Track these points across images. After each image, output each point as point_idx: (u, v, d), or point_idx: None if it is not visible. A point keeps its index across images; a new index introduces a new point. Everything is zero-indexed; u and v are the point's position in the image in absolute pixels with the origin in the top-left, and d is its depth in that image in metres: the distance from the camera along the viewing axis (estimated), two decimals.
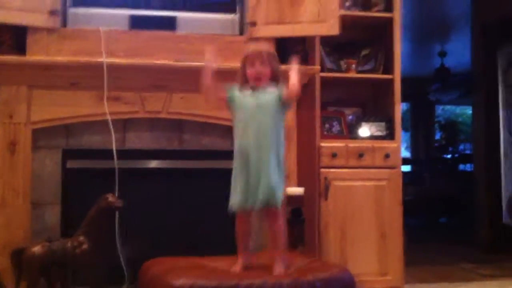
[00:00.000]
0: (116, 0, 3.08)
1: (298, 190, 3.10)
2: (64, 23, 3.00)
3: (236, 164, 2.41)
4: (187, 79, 3.01)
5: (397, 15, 3.45)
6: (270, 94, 2.43)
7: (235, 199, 2.37)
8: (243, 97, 2.44)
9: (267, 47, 2.54)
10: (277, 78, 2.48)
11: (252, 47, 2.53)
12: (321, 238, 3.20)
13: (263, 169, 2.36)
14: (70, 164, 3.05)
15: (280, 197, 2.37)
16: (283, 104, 2.44)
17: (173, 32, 3.09)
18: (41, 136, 2.99)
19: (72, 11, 3.01)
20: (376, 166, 3.31)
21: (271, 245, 2.48)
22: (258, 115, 2.40)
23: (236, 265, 2.41)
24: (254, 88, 2.45)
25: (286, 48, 3.20)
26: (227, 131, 2.77)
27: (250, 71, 2.43)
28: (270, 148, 2.39)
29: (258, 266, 2.43)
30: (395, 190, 3.31)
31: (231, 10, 3.19)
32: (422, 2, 5.75)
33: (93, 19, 3.01)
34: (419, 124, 10.36)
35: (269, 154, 2.38)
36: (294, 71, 2.44)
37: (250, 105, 2.41)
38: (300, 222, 3.07)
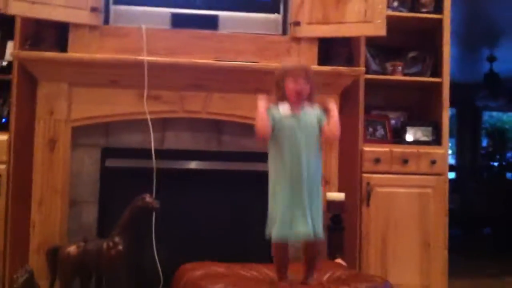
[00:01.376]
0: None
1: (338, 196, 3.01)
2: (106, 21, 2.99)
3: (281, 190, 2.26)
4: (228, 79, 2.97)
5: (447, 16, 3.33)
6: (311, 115, 2.33)
7: (280, 230, 2.23)
8: (284, 118, 2.31)
9: (307, 63, 2.47)
10: (313, 96, 2.37)
11: (291, 61, 2.48)
12: (362, 247, 3.10)
13: (314, 200, 2.27)
14: (109, 163, 3.03)
15: (321, 228, 2.30)
16: (322, 123, 2.35)
17: (215, 31, 3.04)
18: (81, 134, 2.98)
19: (114, 8, 3.00)
20: (421, 173, 3.19)
21: (306, 268, 2.37)
22: (304, 139, 2.28)
23: None
24: (292, 105, 2.32)
25: (330, 48, 3.11)
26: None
27: (292, 87, 2.31)
28: (318, 176, 2.33)
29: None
30: (440, 198, 3.18)
31: (274, 9, 3.13)
32: (471, 5, 5.56)
33: (135, 16, 2.99)
34: (465, 130, 10.08)
35: (319, 183, 2.32)
36: (333, 111, 2.35)
37: (295, 128, 2.29)
38: (340, 230, 2.97)
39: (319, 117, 2.35)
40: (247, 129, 3.06)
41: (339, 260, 2.84)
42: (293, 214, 2.22)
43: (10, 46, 3.04)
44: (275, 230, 2.24)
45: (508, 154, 10.04)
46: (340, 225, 2.99)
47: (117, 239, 2.61)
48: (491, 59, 7.53)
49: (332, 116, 2.34)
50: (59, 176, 2.90)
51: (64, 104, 2.89)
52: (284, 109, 2.32)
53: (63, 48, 2.91)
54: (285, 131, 2.30)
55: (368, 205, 3.11)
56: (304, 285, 2.29)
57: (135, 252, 2.64)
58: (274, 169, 2.32)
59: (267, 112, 2.30)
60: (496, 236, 7.25)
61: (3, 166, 2.86)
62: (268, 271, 2.42)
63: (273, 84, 2.38)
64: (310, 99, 2.37)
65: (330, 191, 3.04)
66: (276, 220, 2.24)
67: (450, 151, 9.96)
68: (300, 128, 2.29)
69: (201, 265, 2.48)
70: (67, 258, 2.58)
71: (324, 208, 2.97)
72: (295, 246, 2.36)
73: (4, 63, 2.97)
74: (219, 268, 2.43)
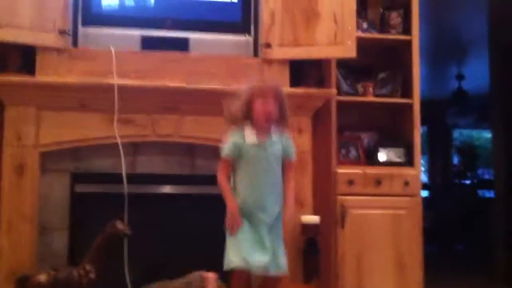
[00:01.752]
0: (128, 20, 3.02)
1: (313, 219, 3.00)
2: (75, 43, 2.95)
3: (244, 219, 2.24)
4: (200, 102, 2.95)
5: (415, 37, 3.36)
6: (277, 144, 2.29)
7: (240, 258, 2.17)
8: (249, 146, 2.24)
9: (277, 83, 2.39)
10: (284, 119, 2.31)
11: (261, 80, 2.41)
12: (338, 269, 3.07)
13: (277, 230, 2.26)
14: (79, 188, 2.97)
15: (285, 264, 2.29)
16: (289, 153, 2.36)
17: (186, 53, 3.02)
18: (50, 158, 2.92)
19: (83, 30, 2.96)
20: (394, 194, 3.19)
21: None
22: (269, 169, 2.25)
23: None
24: (259, 130, 2.26)
25: (301, 70, 3.11)
26: None
27: (260, 109, 2.22)
28: (279, 208, 2.30)
29: None
30: (414, 219, 3.18)
31: (245, 31, 3.12)
32: (438, 25, 5.68)
33: (104, 39, 2.95)
34: (436, 148, 10.21)
35: (280, 215, 2.30)
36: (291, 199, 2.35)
37: (259, 157, 2.24)
38: (315, 252, 2.95)
39: (285, 148, 2.30)
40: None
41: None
42: (253, 243, 2.19)
43: None
44: (230, 258, 2.19)
45: (479, 171, 10.19)
46: (316, 248, 2.98)
47: (88, 267, 2.55)
48: (460, 77, 7.68)
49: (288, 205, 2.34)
50: (27, 202, 2.83)
51: (32, 128, 2.83)
52: (249, 135, 2.25)
53: (31, 71, 2.85)
54: (249, 160, 2.24)
55: (343, 227, 3.10)
56: None
57: (107, 279, 2.58)
58: (239, 196, 2.28)
59: (229, 148, 2.27)
60: (470, 252, 7.32)
61: None
62: None
63: (239, 105, 2.27)
64: (280, 122, 2.30)
65: (304, 213, 3.03)
66: (236, 247, 2.19)
67: (422, 168, 10.07)
68: (266, 159, 2.24)
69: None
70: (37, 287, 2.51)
71: (299, 231, 2.97)
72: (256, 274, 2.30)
73: None
74: None
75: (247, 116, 2.25)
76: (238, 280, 2.24)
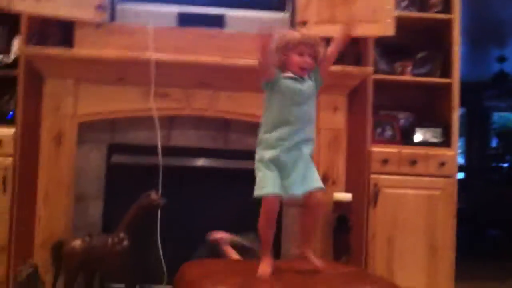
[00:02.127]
0: None
1: (345, 196, 2.99)
2: (112, 18, 2.98)
3: (275, 154, 2.16)
4: (234, 78, 2.95)
5: (456, 16, 3.28)
6: (310, 81, 2.24)
7: (275, 184, 2.13)
8: (288, 83, 2.19)
9: (317, 36, 2.29)
10: (318, 62, 2.25)
11: (299, 33, 2.29)
12: (368, 248, 3.07)
13: (309, 159, 2.21)
14: (115, 159, 3.03)
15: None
16: (319, 84, 2.27)
17: (221, 30, 3.02)
18: (87, 130, 2.98)
19: (121, 6, 2.99)
20: (429, 175, 3.15)
21: (304, 238, 2.28)
22: (306, 105, 2.20)
23: (265, 266, 2.13)
24: (294, 74, 2.22)
25: None
26: None
27: (297, 60, 2.18)
28: (314, 136, 2.26)
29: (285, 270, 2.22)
30: (449, 201, 3.14)
31: (281, 8, 3.10)
32: (480, 5, 5.51)
33: (141, 15, 2.97)
34: (474, 130, 10.01)
35: (313, 142, 2.26)
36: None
37: (297, 94, 2.18)
38: (346, 230, 2.95)
39: (315, 76, 2.26)
40: (254, 127, 3.04)
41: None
42: (291, 170, 2.16)
43: (16, 43, 3.03)
44: (263, 186, 2.14)
45: None
46: (347, 226, 2.97)
47: (122, 235, 2.60)
48: (501, 59, 7.47)
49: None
50: (64, 172, 2.90)
51: (70, 100, 2.89)
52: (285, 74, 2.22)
53: (69, 45, 2.90)
54: (289, 95, 2.18)
55: (375, 206, 3.08)
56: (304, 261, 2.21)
57: (140, 248, 2.63)
58: (269, 123, 2.22)
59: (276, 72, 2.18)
60: (504, 238, 7.20)
61: (9, 160, 2.87)
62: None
63: (272, 50, 2.19)
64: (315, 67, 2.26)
65: (337, 191, 3.03)
66: (267, 175, 2.15)
67: (459, 151, 9.89)
68: (304, 95, 2.20)
69: (202, 263, 2.46)
70: (72, 253, 2.58)
71: (331, 208, 2.96)
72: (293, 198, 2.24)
73: (11, 59, 2.97)
74: (220, 266, 2.40)
75: (282, 65, 2.21)
76: (272, 205, 2.17)
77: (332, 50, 2.27)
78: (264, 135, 2.23)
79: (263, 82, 2.21)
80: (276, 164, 2.18)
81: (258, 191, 2.18)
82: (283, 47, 2.20)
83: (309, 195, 2.22)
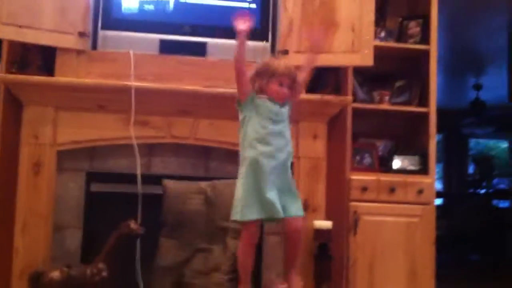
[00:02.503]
0: (147, 25, 3.04)
1: (326, 224, 3.00)
2: (94, 45, 2.98)
3: (252, 174, 2.26)
4: (216, 106, 2.97)
5: (434, 47, 3.35)
6: (284, 107, 2.37)
7: (251, 209, 2.21)
8: (264, 102, 2.33)
9: (293, 66, 2.44)
10: (295, 94, 2.43)
11: (280, 62, 2.43)
12: (349, 276, 3.07)
13: (288, 179, 2.30)
14: (94, 187, 3.01)
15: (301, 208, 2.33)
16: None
17: (203, 58, 3.05)
18: (66, 158, 2.95)
19: (102, 33, 2.99)
20: (408, 202, 3.18)
21: (288, 264, 2.38)
22: (281, 124, 2.32)
23: None
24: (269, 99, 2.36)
25: (318, 77, 3.12)
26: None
27: (275, 89, 2.32)
28: (289, 156, 2.35)
29: None
30: (428, 227, 3.17)
31: (263, 37, 3.13)
32: (457, 35, 5.64)
33: (123, 42, 2.98)
34: (452, 156, 10.13)
35: (289, 166, 2.34)
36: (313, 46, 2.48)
37: (273, 112, 2.31)
38: (327, 258, 2.95)
39: (289, 104, 2.40)
40: (234, 155, 3.06)
41: None
42: (266, 192, 2.22)
43: None
44: (240, 211, 2.22)
45: (495, 181, 10.08)
46: (327, 254, 2.98)
47: (101, 265, 2.57)
48: (477, 87, 7.61)
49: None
50: (43, 201, 2.87)
51: (49, 128, 2.87)
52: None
53: (50, 72, 2.90)
54: (263, 115, 2.31)
55: (355, 233, 3.10)
56: None
57: (120, 278, 2.60)
58: (246, 152, 2.32)
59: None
60: (485, 262, 7.25)
61: None
62: None
63: (253, 76, 2.36)
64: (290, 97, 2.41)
65: (317, 219, 3.04)
66: (245, 199, 2.24)
67: (436, 176, 9.97)
68: (278, 115, 2.32)
69: None
70: (50, 284, 2.53)
71: (312, 236, 2.97)
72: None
73: None
74: None
75: (260, 91, 2.35)
76: (250, 231, 2.27)
77: (302, 77, 2.42)
78: (243, 154, 2.33)
79: (237, 100, 2.36)
80: (256, 171, 2.24)
81: (237, 216, 2.21)
82: (264, 74, 2.33)
83: (289, 222, 2.26)
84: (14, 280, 2.80)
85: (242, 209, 2.23)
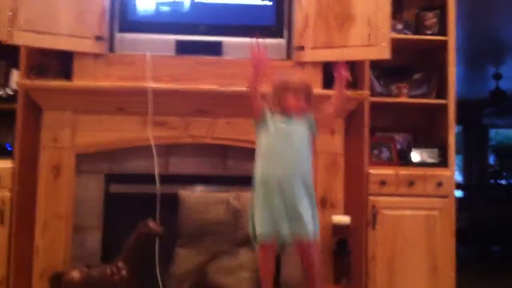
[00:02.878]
0: (163, 26, 3.06)
1: (344, 219, 2.99)
2: (111, 49, 3.01)
3: (261, 192, 2.34)
4: (232, 104, 2.97)
5: (452, 38, 3.31)
6: (301, 121, 2.44)
7: (263, 228, 2.29)
8: (276, 121, 2.43)
9: (306, 80, 2.56)
10: (309, 107, 2.50)
11: (294, 77, 2.53)
12: (368, 270, 3.06)
13: (295, 199, 2.31)
14: (113, 188, 3.04)
15: (311, 229, 2.31)
16: (313, 130, 2.49)
17: (219, 57, 3.05)
18: (85, 160, 2.99)
19: (119, 36, 3.01)
20: (427, 195, 3.16)
21: (307, 277, 2.41)
22: (291, 142, 2.39)
23: None
24: (285, 115, 2.44)
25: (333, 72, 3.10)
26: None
27: (290, 103, 2.43)
28: (302, 177, 2.36)
29: None
30: (447, 220, 3.15)
31: (278, 34, 3.12)
32: (475, 24, 5.56)
33: (139, 44, 3.00)
34: (472, 148, 10.02)
35: (300, 184, 2.35)
36: (340, 82, 2.50)
37: (283, 131, 2.40)
38: (346, 253, 2.95)
39: (310, 122, 2.47)
40: (252, 153, 3.06)
41: None
42: (275, 212, 2.28)
43: (15, 75, 3.06)
44: (254, 230, 2.30)
45: None
46: (346, 249, 2.97)
47: (120, 264, 2.61)
48: (497, 76, 7.50)
49: (337, 85, 2.51)
50: (63, 203, 2.90)
51: (68, 131, 2.91)
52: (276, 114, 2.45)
53: (68, 76, 2.93)
54: (273, 134, 2.41)
55: (374, 228, 3.08)
56: None
57: (139, 278, 2.63)
58: (258, 171, 2.38)
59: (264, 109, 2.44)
60: (507, 254, 7.17)
61: (7, 194, 2.87)
62: None
63: (270, 93, 2.48)
64: (306, 110, 2.48)
65: (335, 214, 3.03)
66: (260, 220, 2.29)
67: (456, 168, 9.86)
68: (290, 134, 2.40)
69: None
70: (71, 284, 2.59)
71: (330, 231, 2.97)
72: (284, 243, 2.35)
73: (10, 92, 2.99)
74: None
75: (277, 108, 2.45)
76: (264, 252, 2.34)
77: (330, 111, 2.52)
78: (255, 168, 2.42)
79: (254, 119, 2.47)
80: (264, 188, 2.31)
81: (250, 232, 2.34)
82: (280, 89, 2.45)
83: (299, 241, 2.28)
84: (35, 281, 2.84)
85: (253, 227, 2.33)
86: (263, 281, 2.37)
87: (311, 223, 2.32)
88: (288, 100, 2.43)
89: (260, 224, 2.30)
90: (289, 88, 2.44)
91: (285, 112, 2.44)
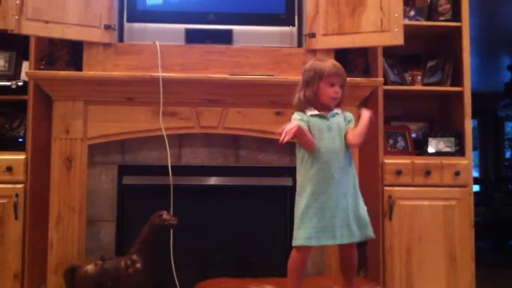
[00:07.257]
0: (172, 15, 3.04)
1: None
2: (121, 38, 2.99)
3: (313, 195, 2.17)
4: (243, 93, 2.93)
5: (466, 24, 3.25)
6: (339, 117, 2.26)
7: (310, 233, 2.14)
8: (315, 121, 2.20)
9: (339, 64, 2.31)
10: (343, 101, 2.31)
11: (328, 63, 2.27)
12: (385, 261, 3.02)
13: (354, 200, 2.23)
14: (126, 180, 3.01)
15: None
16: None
17: (229, 46, 3.02)
18: (97, 152, 2.97)
19: (128, 26, 3.00)
20: (444, 185, 3.10)
21: (346, 276, 2.34)
22: (337, 141, 2.21)
23: None
24: (322, 108, 2.23)
25: (346, 59, 3.05)
26: (284, 147, 2.60)
27: (329, 91, 2.20)
28: (352, 176, 2.27)
29: None
30: (465, 210, 3.09)
31: (289, 22, 3.09)
32: (489, 13, 5.50)
33: (149, 33, 2.99)
34: (488, 141, 9.91)
35: (355, 182, 2.27)
36: (364, 119, 2.25)
37: (327, 130, 2.20)
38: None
39: (347, 119, 2.28)
40: (264, 143, 3.03)
41: None
42: (331, 217, 2.16)
43: (25, 66, 3.05)
44: (299, 234, 2.16)
45: None
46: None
47: (135, 257, 2.59)
48: None
49: (360, 124, 2.24)
50: (76, 195, 2.88)
51: (80, 122, 2.88)
52: (310, 111, 2.24)
53: (78, 66, 2.91)
54: (318, 136, 2.20)
55: (390, 218, 3.03)
56: None
57: (153, 269, 2.61)
58: (303, 171, 2.23)
59: (301, 121, 2.19)
60: None
61: (20, 186, 2.86)
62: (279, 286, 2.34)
63: (301, 82, 2.26)
64: (339, 104, 2.30)
65: None
66: (301, 224, 2.17)
67: (473, 164, 9.75)
68: (333, 132, 2.21)
69: (216, 282, 2.43)
70: (85, 277, 2.57)
71: None
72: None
73: (20, 83, 2.97)
74: (234, 284, 2.37)
75: (314, 97, 2.22)
76: (302, 254, 2.20)
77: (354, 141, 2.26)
78: (300, 170, 2.25)
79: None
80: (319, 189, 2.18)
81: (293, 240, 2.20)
82: (313, 79, 2.23)
83: (341, 248, 2.26)
84: (49, 274, 2.82)
85: (296, 234, 2.20)
86: (296, 278, 2.21)
87: (364, 222, 2.27)
88: (324, 91, 2.21)
89: (307, 228, 2.15)
90: (322, 75, 2.21)
91: (326, 103, 2.23)
